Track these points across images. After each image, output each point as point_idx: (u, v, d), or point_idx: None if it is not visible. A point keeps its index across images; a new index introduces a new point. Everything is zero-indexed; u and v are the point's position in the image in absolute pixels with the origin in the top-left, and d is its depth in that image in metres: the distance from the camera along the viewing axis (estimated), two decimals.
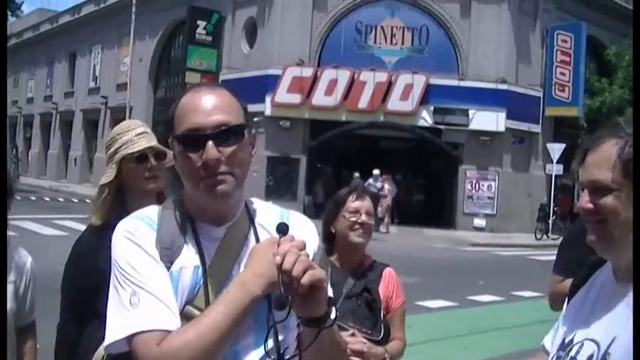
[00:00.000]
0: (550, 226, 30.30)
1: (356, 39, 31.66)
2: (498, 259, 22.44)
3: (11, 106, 58.40)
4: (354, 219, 3.77)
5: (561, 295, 2.33)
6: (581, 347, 1.96)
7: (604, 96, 32.10)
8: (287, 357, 2.01)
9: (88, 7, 51.39)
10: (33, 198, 32.66)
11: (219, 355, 1.88)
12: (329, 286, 2.08)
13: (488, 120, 30.18)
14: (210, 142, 1.98)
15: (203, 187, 2.01)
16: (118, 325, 1.94)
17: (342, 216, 3.81)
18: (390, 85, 30.22)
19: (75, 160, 50.96)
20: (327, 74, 30.30)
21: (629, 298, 1.86)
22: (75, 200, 34.38)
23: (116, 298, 1.98)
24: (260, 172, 29.88)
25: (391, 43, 31.55)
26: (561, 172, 30.81)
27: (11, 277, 3.33)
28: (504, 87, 30.56)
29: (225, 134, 2.00)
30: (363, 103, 30.10)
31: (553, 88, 32.30)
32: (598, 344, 1.90)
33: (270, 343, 1.94)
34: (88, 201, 34.07)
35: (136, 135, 3.39)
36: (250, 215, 2.15)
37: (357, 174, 27.92)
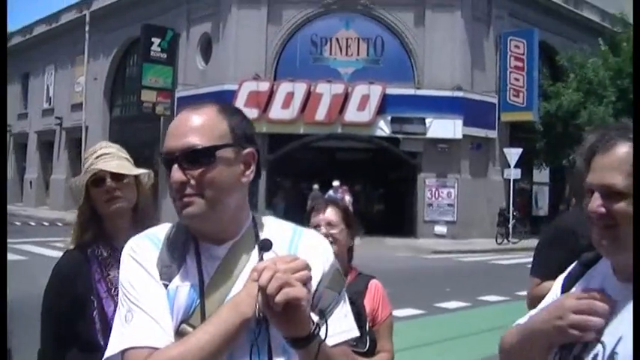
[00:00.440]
0: (510, 230, 30.64)
1: (311, 51, 31.77)
2: (461, 266, 22.55)
3: None
4: None
5: (541, 297, 2.32)
6: (585, 346, 1.93)
7: (560, 100, 32.44)
8: None
9: (40, 27, 50.98)
10: None
11: None
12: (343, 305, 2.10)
13: (445, 128, 30.39)
14: (175, 166, 1.97)
15: (177, 209, 2.02)
16: (115, 340, 1.97)
17: None
18: (346, 96, 30.35)
19: (30, 182, 50.41)
20: (284, 87, 30.32)
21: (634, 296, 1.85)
22: (32, 223, 33.94)
23: (118, 315, 2.02)
24: None
25: (347, 54, 31.69)
26: (519, 177, 31.25)
27: None
28: (460, 94, 30.83)
29: (192, 157, 1.97)
30: (321, 115, 30.18)
31: (508, 93, 32.69)
32: (603, 344, 1.88)
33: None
34: (45, 224, 33.83)
35: (96, 158, 3.37)
36: (257, 234, 2.11)
37: (315, 186, 27.92)
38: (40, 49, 49.94)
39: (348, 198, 27.74)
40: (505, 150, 31.44)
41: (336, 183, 27.56)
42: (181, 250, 2.06)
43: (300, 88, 30.17)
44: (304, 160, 31.67)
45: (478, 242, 29.31)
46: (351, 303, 3.73)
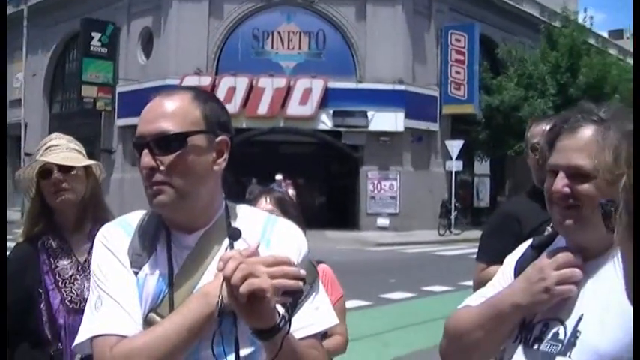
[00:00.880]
0: (452, 221, 31.01)
1: (253, 45, 31.70)
2: (405, 257, 22.71)
3: None
4: None
5: (487, 282, 2.32)
6: (545, 326, 1.94)
7: (502, 94, 32.88)
8: None
9: None
10: None
11: None
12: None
13: (387, 121, 30.60)
14: (145, 151, 1.94)
15: (147, 197, 1.99)
16: (84, 327, 1.96)
17: None
18: (288, 90, 30.37)
19: None
20: (226, 82, 30.20)
21: (597, 275, 1.87)
22: None
23: (89, 301, 2.00)
24: None
25: (288, 48, 31.70)
26: (461, 169, 31.57)
27: None
28: (402, 87, 31.02)
29: (164, 142, 1.94)
30: (263, 109, 30.16)
31: (449, 86, 33.05)
32: (563, 322, 1.90)
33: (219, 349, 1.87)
34: None
35: (45, 149, 3.35)
36: (229, 223, 2.07)
37: (254, 180, 27.84)
38: None
39: (291, 192, 27.69)
40: (447, 142, 31.76)
41: (279, 177, 27.46)
42: (152, 239, 2.04)
43: (242, 83, 30.08)
44: (247, 154, 31.41)
45: (421, 234, 29.50)
46: None
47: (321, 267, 3.89)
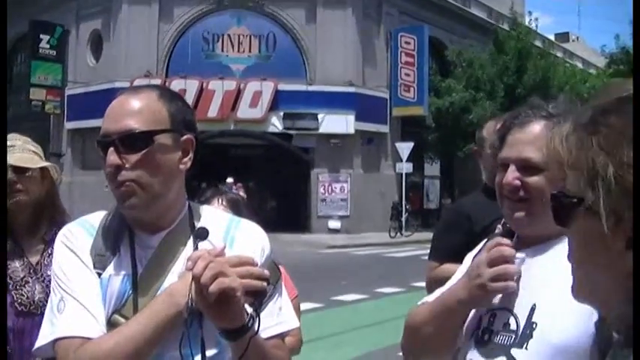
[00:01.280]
0: (403, 223, 31.11)
1: (203, 48, 31.62)
2: (356, 259, 22.78)
3: None
4: None
5: (439, 279, 2.34)
6: (493, 317, 1.95)
7: (452, 96, 33.12)
8: None
9: None
10: None
11: None
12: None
13: (337, 123, 30.73)
14: (111, 149, 1.91)
15: (116, 197, 1.97)
16: (46, 330, 1.92)
17: None
18: (239, 92, 30.36)
19: None
20: (176, 84, 29.84)
21: (546, 265, 1.89)
22: None
23: (50, 303, 1.96)
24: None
25: (239, 51, 31.68)
26: (411, 171, 31.68)
27: None
28: (352, 90, 31.17)
29: (130, 140, 1.92)
30: (213, 112, 30.07)
31: (399, 88, 33.23)
32: (513, 312, 1.90)
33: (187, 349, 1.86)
34: None
35: None
36: (192, 223, 2.05)
37: (204, 184, 27.71)
38: None
39: (242, 194, 27.72)
40: (397, 144, 31.86)
41: (229, 180, 27.43)
42: (115, 239, 2.00)
43: (192, 85, 29.92)
44: (196, 157, 31.38)
45: (372, 236, 29.61)
46: None
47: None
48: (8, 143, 3.27)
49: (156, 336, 1.82)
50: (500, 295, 1.94)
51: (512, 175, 1.93)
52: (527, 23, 36.99)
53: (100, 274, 1.96)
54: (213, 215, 2.15)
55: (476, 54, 34.60)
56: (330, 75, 30.93)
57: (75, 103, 32.71)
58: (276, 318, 2.06)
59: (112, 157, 1.91)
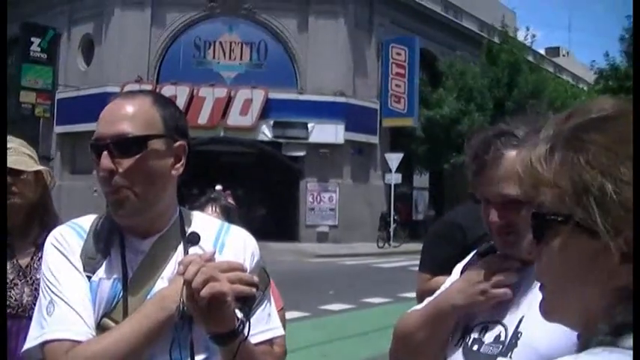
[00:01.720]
0: (391, 234, 31.17)
1: (195, 55, 31.63)
2: (344, 269, 22.79)
3: None
4: None
5: (432, 292, 2.34)
6: (484, 329, 1.97)
7: (443, 107, 33.15)
8: None
9: None
10: None
11: None
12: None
13: (327, 132, 30.78)
14: (104, 152, 1.92)
15: (109, 203, 1.97)
16: (34, 332, 1.91)
17: None
18: (229, 100, 30.38)
19: None
20: (166, 90, 29.68)
21: (530, 278, 1.87)
22: None
23: (38, 305, 1.95)
24: (100, 192, 29.11)
25: (230, 58, 31.69)
26: (400, 181, 31.72)
27: None
28: (342, 100, 31.22)
29: (124, 145, 1.93)
30: (203, 118, 30.03)
31: (389, 99, 33.30)
32: (504, 325, 1.92)
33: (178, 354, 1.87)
34: None
35: None
36: (183, 228, 2.06)
37: (194, 191, 27.67)
38: None
39: (231, 202, 27.67)
40: (386, 155, 31.93)
41: (218, 187, 27.32)
42: (106, 243, 2.00)
43: (182, 92, 29.84)
44: (187, 163, 31.34)
45: (360, 246, 29.67)
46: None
47: None
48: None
49: (146, 340, 1.83)
50: (493, 308, 1.97)
51: (494, 215, 1.96)
52: (522, 38, 37.16)
53: (90, 277, 1.96)
54: (204, 221, 2.16)
55: (468, 65, 34.67)
56: (320, 84, 30.98)
57: (65, 106, 32.62)
58: (265, 324, 2.07)
59: (106, 161, 1.91)
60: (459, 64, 34.70)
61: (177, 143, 2.02)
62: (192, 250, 1.96)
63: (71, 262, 1.97)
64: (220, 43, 31.66)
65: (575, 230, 1.07)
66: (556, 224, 1.10)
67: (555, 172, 1.09)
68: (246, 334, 1.81)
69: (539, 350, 1.80)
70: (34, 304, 2.05)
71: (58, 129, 33.14)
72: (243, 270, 1.82)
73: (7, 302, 3.08)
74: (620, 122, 1.09)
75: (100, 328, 1.91)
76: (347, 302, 14.71)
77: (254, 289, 1.78)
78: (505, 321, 1.94)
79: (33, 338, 1.92)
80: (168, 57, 31.66)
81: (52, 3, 34.76)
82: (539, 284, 1.28)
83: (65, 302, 1.90)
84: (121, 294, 1.95)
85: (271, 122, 30.56)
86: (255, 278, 1.82)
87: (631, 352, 1.01)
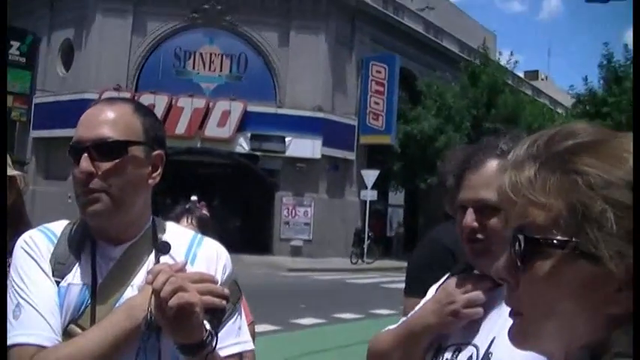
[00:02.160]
0: (365, 250, 31.20)
1: (174, 64, 31.58)
2: (317, 284, 22.85)
3: None
4: None
5: None
6: (457, 351, 1.97)
7: (421, 124, 33.19)
8: None
9: None
10: None
11: None
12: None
13: (304, 147, 30.78)
14: (84, 155, 1.91)
15: (79, 204, 1.96)
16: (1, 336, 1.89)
17: None
18: (207, 111, 30.34)
19: None
20: (145, 99, 29.65)
21: (501, 299, 1.84)
22: None
23: (7, 309, 1.93)
24: (74, 199, 28.94)
25: (210, 69, 31.66)
26: (375, 198, 31.82)
27: None
28: (321, 115, 31.27)
29: (104, 149, 1.93)
30: (181, 129, 29.94)
31: (367, 116, 33.38)
32: (476, 346, 1.93)
33: None
34: None
35: None
36: (155, 237, 2.05)
37: (168, 201, 27.56)
38: None
39: (205, 213, 27.59)
40: (362, 172, 32.02)
41: (194, 198, 27.14)
42: (77, 248, 1.99)
43: (161, 101, 29.78)
44: (162, 173, 31.23)
45: (333, 261, 29.75)
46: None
47: None
48: None
49: (112, 348, 1.81)
50: (464, 329, 1.99)
51: (470, 217, 1.98)
52: (505, 62, 37.46)
53: (58, 283, 1.95)
54: (177, 231, 2.16)
55: (448, 85, 34.84)
56: (299, 99, 31.03)
57: (42, 111, 32.45)
58: (235, 337, 2.05)
59: (85, 163, 1.91)
60: (437, 84, 34.84)
61: (156, 152, 2.04)
62: (164, 259, 1.95)
63: (40, 267, 1.96)
64: (201, 54, 31.63)
65: (571, 255, 1.03)
66: (548, 248, 1.05)
67: (549, 195, 1.06)
68: (214, 345, 1.80)
69: None
70: None
71: (34, 133, 32.98)
72: (214, 282, 1.82)
73: None
74: (613, 145, 1.07)
75: (67, 334, 1.89)
76: (319, 317, 14.72)
77: (224, 302, 1.78)
78: (476, 342, 1.95)
79: None
80: (148, 66, 31.57)
81: (33, 7, 34.55)
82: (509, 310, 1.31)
83: (32, 306, 1.88)
84: (89, 301, 1.94)
85: (249, 135, 30.55)
86: (226, 290, 1.81)
87: None
